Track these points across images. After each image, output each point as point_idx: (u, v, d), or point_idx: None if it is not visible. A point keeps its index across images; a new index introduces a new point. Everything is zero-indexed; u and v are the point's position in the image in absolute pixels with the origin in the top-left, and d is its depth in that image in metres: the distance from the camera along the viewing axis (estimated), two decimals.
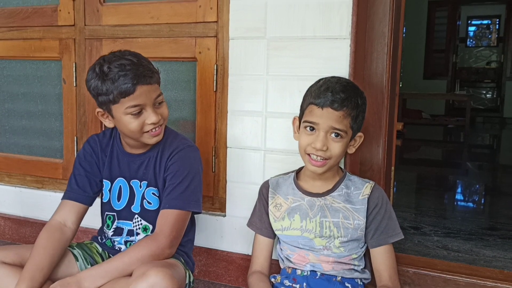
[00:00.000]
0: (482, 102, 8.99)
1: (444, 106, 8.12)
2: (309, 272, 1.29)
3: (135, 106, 1.22)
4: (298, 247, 1.31)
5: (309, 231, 1.28)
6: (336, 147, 1.21)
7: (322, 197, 1.29)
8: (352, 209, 1.27)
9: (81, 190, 1.37)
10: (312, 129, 1.23)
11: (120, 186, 1.38)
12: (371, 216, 1.27)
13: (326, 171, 1.26)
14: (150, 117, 1.24)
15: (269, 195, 1.36)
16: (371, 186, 1.29)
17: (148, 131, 1.27)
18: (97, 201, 1.42)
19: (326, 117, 1.20)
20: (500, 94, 8.43)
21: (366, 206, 1.26)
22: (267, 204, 1.36)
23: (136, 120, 1.24)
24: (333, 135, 1.21)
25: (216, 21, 1.63)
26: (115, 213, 1.39)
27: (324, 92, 1.21)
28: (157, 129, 1.28)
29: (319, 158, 1.22)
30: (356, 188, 1.29)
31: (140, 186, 1.36)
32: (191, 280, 1.34)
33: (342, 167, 1.42)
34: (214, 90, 1.65)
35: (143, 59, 1.26)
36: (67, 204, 1.35)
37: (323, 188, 1.31)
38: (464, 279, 1.42)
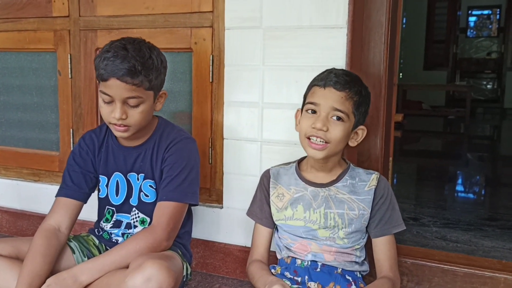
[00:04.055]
0: (482, 92, 8.96)
1: (445, 97, 8.10)
2: (309, 262, 1.28)
3: (105, 94, 1.22)
4: (300, 237, 1.30)
5: (313, 222, 1.27)
6: (336, 130, 1.20)
7: (326, 188, 1.28)
8: (357, 200, 1.26)
9: (77, 187, 1.35)
10: (314, 112, 1.23)
11: (117, 180, 1.37)
12: (377, 207, 1.27)
13: (327, 158, 1.24)
14: (115, 110, 1.22)
15: (270, 185, 1.35)
16: (377, 177, 1.29)
17: (113, 123, 1.25)
18: (94, 194, 1.41)
19: (328, 97, 1.20)
20: (500, 85, 8.41)
21: (373, 197, 1.26)
22: (268, 194, 1.35)
23: (105, 106, 1.24)
24: (334, 117, 1.20)
25: (211, 11, 1.61)
26: (114, 208, 1.38)
27: (327, 74, 1.24)
28: (120, 126, 1.25)
29: (319, 140, 1.20)
30: (361, 180, 1.28)
31: (138, 179, 1.35)
32: (189, 272, 1.34)
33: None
34: (210, 81, 1.64)
35: (140, 57, 1.19)
36: (62, 204, 1.33)
37: (327, 178, 1.29)
38: (462, 269, 1.42)
